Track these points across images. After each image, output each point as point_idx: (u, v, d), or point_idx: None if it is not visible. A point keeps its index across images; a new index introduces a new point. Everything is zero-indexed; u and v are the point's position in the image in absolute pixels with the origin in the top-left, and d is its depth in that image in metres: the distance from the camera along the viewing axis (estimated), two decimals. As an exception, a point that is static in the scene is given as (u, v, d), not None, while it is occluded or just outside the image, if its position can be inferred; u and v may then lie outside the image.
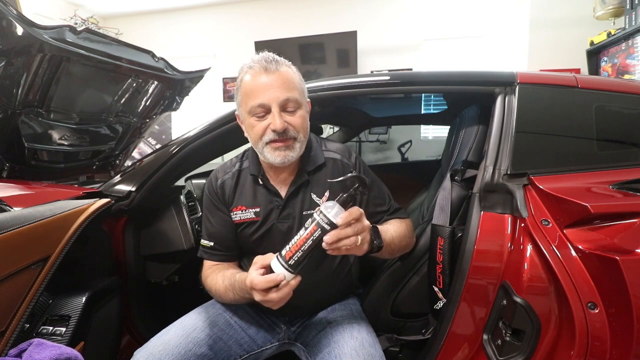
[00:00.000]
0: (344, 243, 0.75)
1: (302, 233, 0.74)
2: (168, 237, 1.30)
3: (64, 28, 1.17)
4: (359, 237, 0.77)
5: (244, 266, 1.06)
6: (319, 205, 0.97)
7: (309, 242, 0.73)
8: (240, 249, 1.05)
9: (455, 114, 1.56)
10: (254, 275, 0.76)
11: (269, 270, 0.77)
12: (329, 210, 0.74)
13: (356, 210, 0.76)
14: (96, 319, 1.03)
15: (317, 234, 0.73)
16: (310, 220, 0.75)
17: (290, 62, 0.94)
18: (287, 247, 0.75)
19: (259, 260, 0.79)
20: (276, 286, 0.74)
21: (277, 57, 0.91)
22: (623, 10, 2.52)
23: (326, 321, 0.99)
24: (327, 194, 0.99)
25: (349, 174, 0.78)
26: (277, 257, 0.76)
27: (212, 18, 4.68)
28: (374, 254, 0.87)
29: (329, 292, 1.05)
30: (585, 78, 1.05)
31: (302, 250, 0.73)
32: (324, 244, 0.74)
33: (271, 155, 0.90)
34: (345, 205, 0.75)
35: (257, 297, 0.76)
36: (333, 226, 0.73)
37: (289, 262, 0.74)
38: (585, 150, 0.97)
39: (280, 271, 0.74)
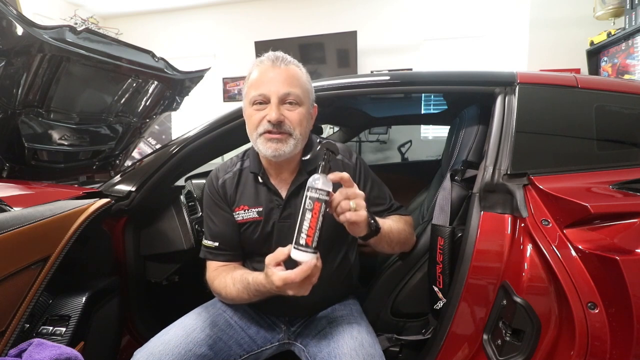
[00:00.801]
0: (342, 206, 0.77)
1: (309, 215, 0.76)
2: (168, 237, 1.30)
3: (64, 28, 1.17)
4: (351, 202, 0.78)
5: (246, 266, 1.06)
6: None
7: (320, 219, 0.75)
8: (242, 249, 1.04)
9: (455, 114, 1.56)
10: (284, 273, 0.75)
11: (284, 264, 0.78)
12: (318, 182, 0.76)
13: (345, 174, 0.79)
14: (96, 319, 1.03)
15: (322, 209, 0.76)
16: (308, 201, 0.76)
17: (301, 64, 0.96)
18: (303, 235, 0.75)
19: (272, 259, 0.78)
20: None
21: (288, 56, 0.93)
22: (623, 10, 2.52)
23: (326, 321, 0.99)
24: None
25: (319, 145, 0.82)
26: (295, 248, 0.76)
27: (212, 18, 4.69)
28: (373, 238, 0.88)
29: (330, 292, 1.04)
30: (585, 78, 1.05)
31: (318, 230, 0.75)
32: (338, 209, 0.78)
33: (263, 147, 0.91)
34: (325, 172, 0.78)
35: (292, 291, 0.76)
36: (330, 194, 0.77)
37: (313, 246, 0.75)
38: (585, 150, 0.97)
39: (307, 258, 0.75)
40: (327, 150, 0.80)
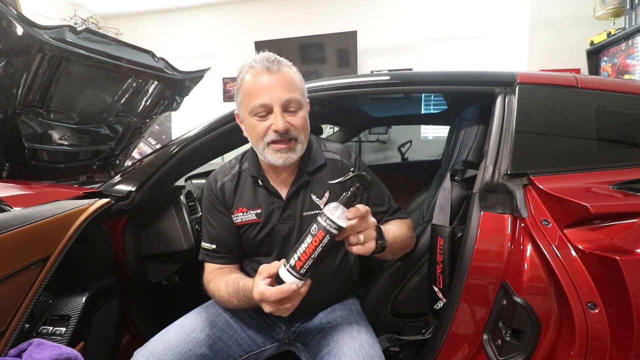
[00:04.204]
0: (350, 240, 0.76)
1: (309, 240, 0.72)
2: (168, 237, 1.30)
3: (64, 28, 1.17)
4: (361, 236, 0.76)
5: (245, 268, 1.06)
6: (320, 207, 0.97)
7: (319, 248, 0.72)
8: (241, 251, 1.04)
9: (455, 114, 1.56)
10: (263, 287, 0.74)
11: (275, 279, 0.75)
12: (333, 212, 0.72)
13: (363, 208, 0.75)
14: (96, 319, 1.03)
15: (325, 239, 0.71)
16: (315, 226, 0.72)
17: (291, 63, 0.94)
18: (295, 256, 0.73)
19: (265, 270, 0.77)
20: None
21: (278, 57, 0.91)
22: (623, 10, 2.52)
23: (326, 321, 0.99)
24: (327, 194, 0.99)
25: (349, 174, 0.76)
26: (285, 267, 0.73)
27: (212, 18, 4.68)
28: (378, 254, 0.86)
29: (330, 292, 1.04)
30: (585, 78, 1.05)
31: (312, 258, 0.72)
32: (346, 242, 0.76)
33: (272, 157, 0.90)
34: (348, 205, 0.73)
35: (268, 308, 0.74)
36: (341, 229, 0.72)
37: (300, 272, 0.72)
38: (585, 150, 0.97)
39: (291, 281, 0.72)
40: (359, 184, 0.74)
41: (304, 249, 0.72)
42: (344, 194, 0.74)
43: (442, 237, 0.97)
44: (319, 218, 0.73)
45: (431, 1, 3.89)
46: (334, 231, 0.71)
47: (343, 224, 0.72)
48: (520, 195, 0.87)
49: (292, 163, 0.97)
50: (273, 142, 0.89)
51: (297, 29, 4.21)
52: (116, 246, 1.25)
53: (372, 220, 0.78)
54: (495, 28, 3.72)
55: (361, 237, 0.75)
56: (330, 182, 0.86)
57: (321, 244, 0.71)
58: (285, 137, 0.88)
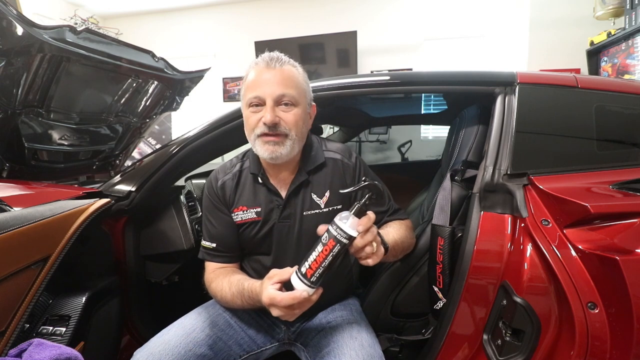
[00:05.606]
0: (366, 252, 0.76)
1: (320, 248, 0.73)
2: (168, 237, 1.30)
3: (64, 28, 1.17)
4: (374, 244, 0.77)
5: (245, 267, 1.06)
6: (321, 206, 0.97)
7: (329, 257, 0.72)
8: (242, 250, 1.05)
9: (455, 114, 1.56)
10: (273, 292, 0.75)
11: (285, 284, 0.76)
12: (344, 221, 0.73)
13: (373, 215, 0.76)
14: (96, 319, 1.03)
15: (336, 249, 0.72)
16: (326, 235, 0.73)
17: (299, 64, 0.95)
18: (307, 263, 0.74)
19: (276, 275, 0.78)
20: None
21: (284, 56, 0.93)
22: (623, 10, 2.52)
23: (326, 321, 0.99)
24: (327, 194, 0.99)
25: (361, 183, 0.77)
26: (296, 273, 0.75)
27: (212, 18, 4.69)
28: None
29: (330, 292, 1.03)
30: (585, 78, 1.05)
31: (322, 267, 0.73)
32: (362, 254, 0.75)
33: (261, 149, 0.91)
34: (360, 215, 0.74)
35: (276, 312, 0.76)
36: (351, 239, 0.73)
37: (311, 279, 0.73)
38: (585, 150, 0.97)
39: (302, 288, 0.73)
40: (371, 194, 0.75)
41: (314, 257, 0.73)
42: (356, 203, 0.74)
43: (442, 237, 0.97)
44: (330, 227, 0.74)
45: (431, 1, 3.89)
46: (345, 240, 0.72)
47: (354, 233, 0.73)
48: (520, 195, 0.87)
49: (292, 162, 0.97)
50: (262, 134, 0.90)
51: (297, 29, 4.21)
52: (116, 246, 1.25)
53: (375, 228, 0.78)
54: (495, 28, 3.72)
55: (374, 245, 0.76)
56: (341, 191, 0.86)
57: (331, 253, 0.72)
58: (273, 131, 0.89)
